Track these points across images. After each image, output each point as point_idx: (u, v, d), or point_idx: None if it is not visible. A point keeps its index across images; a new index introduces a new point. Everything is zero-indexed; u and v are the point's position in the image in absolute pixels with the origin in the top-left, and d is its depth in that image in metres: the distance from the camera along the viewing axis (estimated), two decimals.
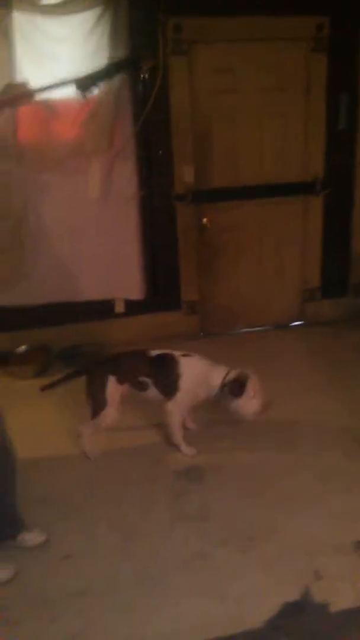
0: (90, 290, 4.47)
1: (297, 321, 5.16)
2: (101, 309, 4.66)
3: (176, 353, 3.15)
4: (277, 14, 4.27)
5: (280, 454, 3.14)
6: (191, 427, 3.41)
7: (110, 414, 3.09)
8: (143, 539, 2.57)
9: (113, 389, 3.09)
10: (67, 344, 4.51)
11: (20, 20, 3.76)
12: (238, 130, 4.57)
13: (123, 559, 2.46)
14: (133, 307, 4.69)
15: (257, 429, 3.34)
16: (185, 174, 4.49)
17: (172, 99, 4.31)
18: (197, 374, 3.09)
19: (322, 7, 4.33)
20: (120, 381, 3.11)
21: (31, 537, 2.54)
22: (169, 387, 3.09)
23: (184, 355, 3.13)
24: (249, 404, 3.00)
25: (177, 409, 3.13)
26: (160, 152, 4.41)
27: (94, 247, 4.38)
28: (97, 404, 3.10)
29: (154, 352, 3.16)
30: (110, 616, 2.19)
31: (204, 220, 4.64)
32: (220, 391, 3.04)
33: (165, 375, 3.09)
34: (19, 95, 2.46)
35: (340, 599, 2.20)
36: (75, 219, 4.30)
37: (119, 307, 4.69)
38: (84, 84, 3.58)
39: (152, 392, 3.15)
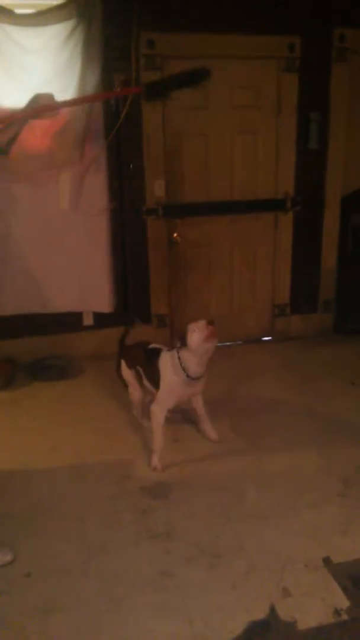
0: (59, 302, 4.41)
1: (267, 336, 5.17)
2: (69, 322, 4.60)
3: (165, 348, 3.28)
4: (250, 33, 4.34)
5: (249, 468, 3.11)
6: (212, 438, 3.39)
7: (131, 392, 3.51)
8: (107, 557, 2.50)
9: (126, 371, 3.48)
10: (33, 357, 4.43)
11: None
12: (210, 147, 4.60)
13: (87, 578, 2.39)
14: (102, 320, 4.64)
15: (226, 442, 3.32)
16: (156, 188, 4.49)
17: (144, 113, 4.32)
18: (174, 363, 3.10)
19: (294, 26, 4.42)
20: (128, 366, 3.47)
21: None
22: (154, 380, 3.22)
23: (168, 350, 3.22)
24: (195, 337, 3.04)
25: (160, 410, 3.14)
26: (132, 165, 4.40)
27: (63, 259, 4.33)
28: (123, 382, 3.54)
29: (150, 346, 3.39)
30: (74, 636, 2.11)
31: (175, 234, 4.63)
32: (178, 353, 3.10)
33: (151, 368, 3.22)
34: (44, 106, 2.44)
35: (309, 616, 2.16)
36: (45, 231, 4.25)
37: (88, 320, 4.63)
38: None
39: (146, 382, 3.34)
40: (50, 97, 2.50)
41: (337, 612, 2.18)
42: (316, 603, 2.22)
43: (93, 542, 2.60)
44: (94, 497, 2.92)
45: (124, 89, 3.60)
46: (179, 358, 3.07)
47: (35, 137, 3.94)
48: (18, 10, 3.77)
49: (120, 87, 4.13)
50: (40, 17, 3.79)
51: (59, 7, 3.79)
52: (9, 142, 2.39)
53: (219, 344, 4.92)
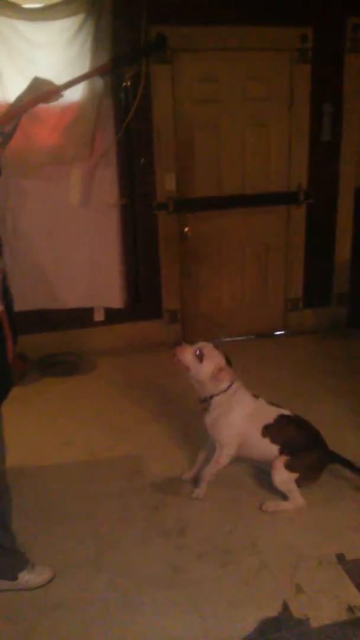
0: (69, 298, 4.41)
1: (279, 330, 5.13)
2: (81, 317, 4.59)
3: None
4: (262, 24, 4.29)
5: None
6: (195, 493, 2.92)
7: None
8: (118, 553, 2.50)
9: None
10: (45, 352, 4.43)
11: (0, 24, 3.71)
12: (221, 140, 4.55)
13: (97, 574, 2.38)
14: (113, 316, 4.63)
15: None
16: (167, 183, 4.45)
17: (154, 107, 4.29)
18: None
19: (306, 18, 4.36)
20: None
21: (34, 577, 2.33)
22: None
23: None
24: (202, 369, 2.73)
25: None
26: (142, 160, 4.37)
27: (73, 254, 4.32)
28: None
29: None
30: (84, 632, 2.11)
31: (186, 229, 4.61)
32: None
33: None
34: (50, 92, 2.43)
35: (321, 614, 2.14)
36: (55, 226, 4.24)
37: (99, 316, 4.62)
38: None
39: None
40: (50, 82, 2.49)
41: (350, 609, 2.15)
42: (329, 600, 2.20)
43: (104, 538, 2.59)
44: (104, 493, 2.91)
45: (98, 68, 3.63)
46: None
47: (45, 131, 3.94)
48: (26, 5, 3.76)
49: (130, 82, 4.10)
50: (49, 12, 3.78)
51: (67, 1, 3.77)
52: (13, 129, 2.37)
53: (231, 339, 4.97)
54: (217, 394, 2.76)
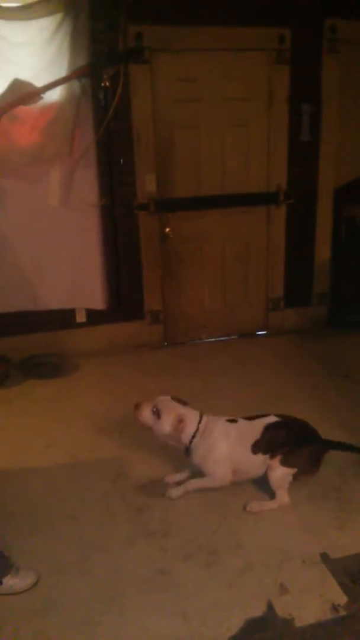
0: (51, 299, 4.38)
1: (261, 330, 5.15)
2: (62, 318, 4.57)
3: None
4: (240, 25, 4.31)
5: None
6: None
7: None
8: (103, 556, 2.48)
9: None
10: (26, 354, 4.40)
11: None
12: (201, 140, 4.56)
13: (82, 577, 2.37)
14: (95, 317, 4.61)
15: None
16: (148, 183, 4.45)
17: (133, 107, 4.28)
18: None
19: (284, 18, 4.38)
20: None
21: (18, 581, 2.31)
22: None
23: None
24: (161, 425, 2.77)
25: None
26: (122, 160, 4.36)
27: (54, 255, 4.30)
28: None
29: None
30: (70, 636, 2.09)
31: (167, 229, 4.61)
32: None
33: None
34: (29, 94, 2.41)
35: (306, 613, 2.15)
36: (35, 227, 4.21)
37: (81, 317, 4.60)
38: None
39: None
40: (29, 84, 2.48)
41: (334, 608, 2.16)
42: (314, 599, 2.21)
43: (88, 541, 2.57)
44: (88, 495, 2.90)
45: (75, 72, 3.67)
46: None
47: (24, 131, 3.91)
48: (4, 4, 3.72)
49: (109, 82, 4.09)
50: (27, 11, 3.75)
51: (45, 1, 3.74)
52: None
53: (213, 339, 4.98)
54: (193, 438, 2.77)
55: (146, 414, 2.77)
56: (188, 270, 4.83)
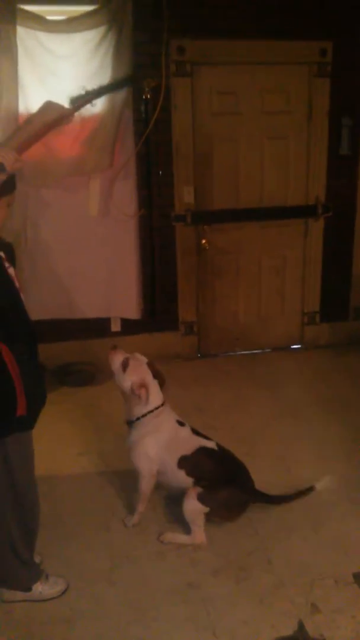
0: (87, 308, 4.41)
1: (295, 344, 5.10)
2: (98, 327, 4.60)
3: None
4: (281, 38, 4.30)
5: (277, 480, 3.03)
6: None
7: None
8: (133, 567, 2.48)
9: None
10: (61, 362, 4.44)
11: (24, 36, 3.75)
12: (240, 152, 4.56)
13: (112, 587, 2.37)
14: (130, 326, 4.63)
15: (252, 453, 3.26)
16: (185, 195, 4.47)
17: (174, 119, 4.31)
18: None
19: (326, 32, 4.36)
20: None
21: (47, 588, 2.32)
22: None
23: None
24: (123, 379, 2.68)
25: None
26: (161, 172, 4.39)
27: (92, 265, 4.34)
28: None
29: None
30: None
31: (203, 241, 4.61)
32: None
33: None
34: (63, 115, 2.43)
35: (338, 634, 2.10)
36: (74, 237, 4.26)
37: (115, 326, 4.63)
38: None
39: None
40: (61, 106, 2.50)
41: None
42: (346, 620, 2.16)
43: (119, 551, 2.58)
44: (119, 504, 2.90)
45: (76, 106, 3.69)
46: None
47: (66, 143, 3.97)
48: (49, 17, 3.80)
49: (150, 94, 4.12)
50: (72, 24, 3.82)
51: (90, 14, 3.81)
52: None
53: (247, 352, 4.95)
54: (142, 416, 2.67)
55: (117, 361, 2.68)
56: (223, 282, 4.82)
